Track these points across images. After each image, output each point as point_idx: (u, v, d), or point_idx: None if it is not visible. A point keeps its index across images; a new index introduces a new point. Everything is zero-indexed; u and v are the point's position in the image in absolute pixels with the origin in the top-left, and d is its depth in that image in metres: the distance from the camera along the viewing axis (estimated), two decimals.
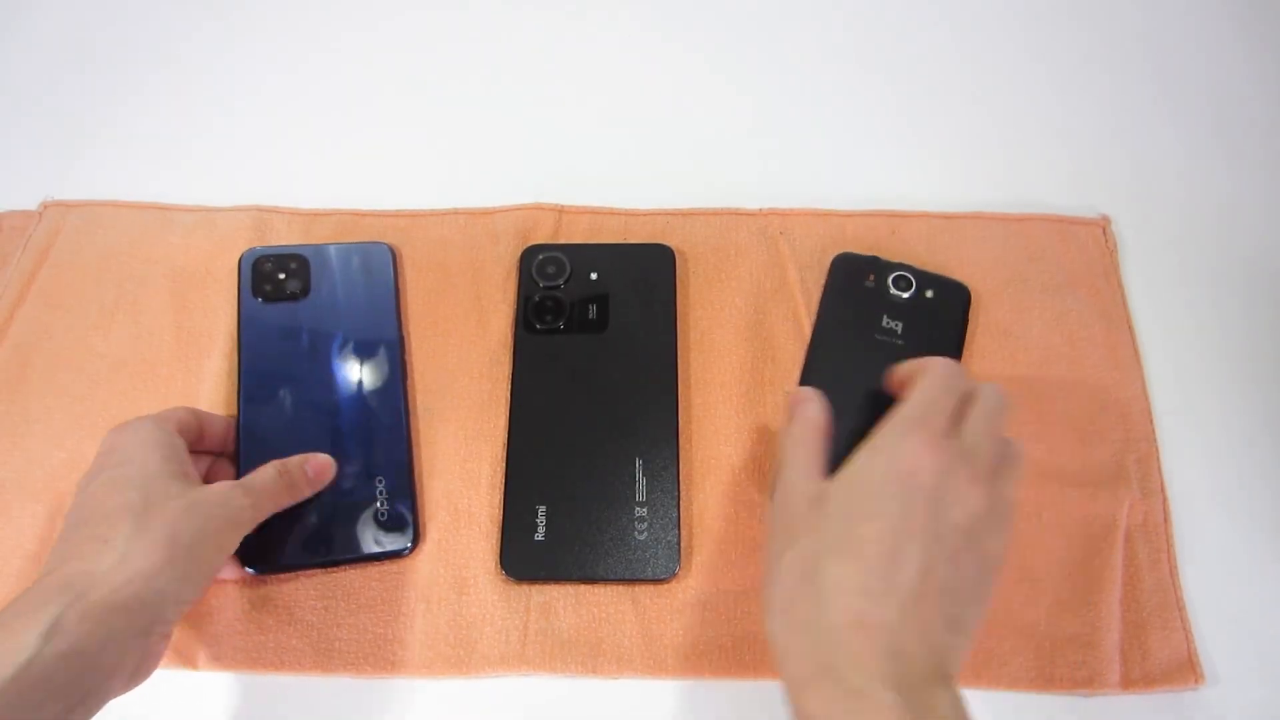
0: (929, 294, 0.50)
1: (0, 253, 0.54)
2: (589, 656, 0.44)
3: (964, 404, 0.39)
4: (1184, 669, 0.43)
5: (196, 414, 0.44)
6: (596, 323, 0.50)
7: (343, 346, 0.49)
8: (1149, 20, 0.64)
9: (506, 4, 0.65)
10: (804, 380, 0.49)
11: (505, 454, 0.47)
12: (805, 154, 0.59)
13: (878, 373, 0.48)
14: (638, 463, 0.46)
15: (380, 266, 0.52)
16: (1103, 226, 0.54)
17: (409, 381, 0.50)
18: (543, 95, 0.61)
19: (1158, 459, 0.48)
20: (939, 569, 0.34)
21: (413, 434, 0.48)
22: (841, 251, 0.52)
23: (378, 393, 0.48)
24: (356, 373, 0.48)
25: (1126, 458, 0.48)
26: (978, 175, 0.57)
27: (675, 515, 0.45)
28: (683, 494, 0.47)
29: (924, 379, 0.40)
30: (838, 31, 0.64)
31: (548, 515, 0.45)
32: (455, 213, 0.55)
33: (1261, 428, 0.49)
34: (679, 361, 0.50)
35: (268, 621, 0.44)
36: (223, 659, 0.43)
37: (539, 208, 0.55)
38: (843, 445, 0.46)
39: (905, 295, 0.50)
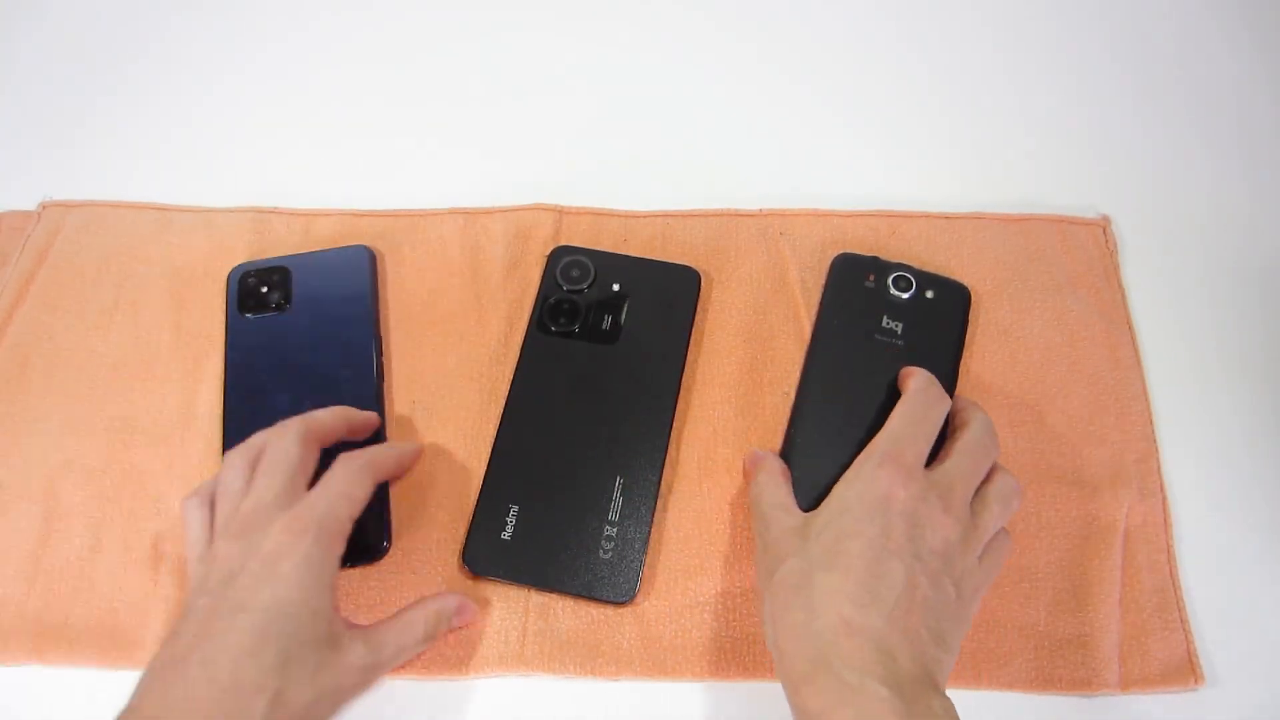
0: (929, 294, 0.50)
1: (0, 253, 0.54)
2: (588, 657, 0.43)
3: (952, 429, 0.43)
4: (1183, 670, 0.43)
5: (340, 424, 0.43)
6: (609, 334, 0.49)
7: (318, 356, 0.49)
8: (1151, 20, 0.63)
9: (507, 4, 0.65)
10: (804, 381, 0.49)
11: (492, 445, 0.47)
12: (805, 154, 0.58)
13: (877, 373, 0.48)
14: (617, 481, 0.46)
15: (357, 270, 0.52)
16: (1103, 227, 0.54)
17: (387, 386, 0.50)
18: (543, 95, 0.61)
19: (1157, 459, 0.48)
20: (920, 585, 0.36)
21: (388, 439, 0.48)
22: (842, 251, 0.52)
23: (353, 399, 0.47)
24: (330, 382, 0.49)
25: (1126, 458, 0.48)
26: (978, 175, 0.57)
27: (644, 540, 0.45)
28: (657, 518, 0.46)
29: (903, 404, 0.43)
30: (838, 31, 0.64)
31: (519, 516, 0.45)
32: (455, 213, 0.55)
33: (1262, 428, 0.49)
34: (687, 369, 0.50)
35: None
36: None
37: (539, 208, 0.55)
38: (841, 446, 0.46)
39: (905, 295, 0.50)
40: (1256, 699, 0.42)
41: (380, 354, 0.50)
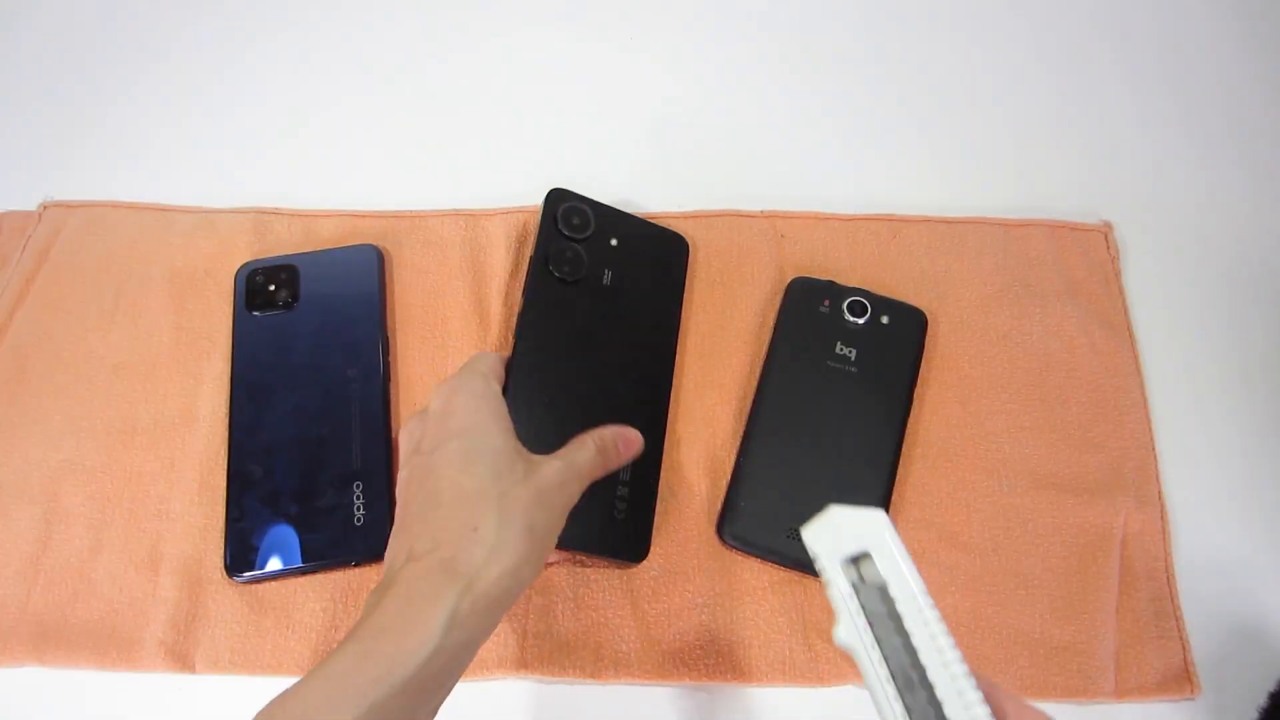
0: (884, 320, 0.49)
1: (0, 254, 0.54)
2: (589, 660, 0.44)
3: None
4: (1179, 679, 0.43)
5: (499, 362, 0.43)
6: (609, 288, 0.49)
7: (325, 353, 0.50)
8: (1154, 26, 0.63)
9: (509, 6, 0.64)
10: (755, 409, 0.48)
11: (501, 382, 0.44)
12: (808, 157, 0.58)
13: (827, 403, 0.47)
14: None
15: (365, 269, 0.52)
16: (1105, 233, 0.54)
17: (393, 386, 0.50)
18: (545, 98, 0.61)
19: (1156, 467, 0.48)
20: None
21: (394, 438, 0.48)
22: (797, 275, 0.51)
23: (359, 399, 0.48)
24: (337, 379, 0.49)
25: (1124, 465, 0.48)
26: (980, 180, 0.57)
27: (654, 500, 0.45)
28: (663, 481, 0.46)
29: None
30: (842, 35, 0.63)
31: None
32: (456, 214, 0.55)
33: (1261, 438, 0.49)
34: (678, 357, 0.50)
35: (265, 624, 0.44)
36: (220, 663, 0.44)
37: (540, 209, 0.55)
38: (791, 475, 0.46)
39: (860, 321, 0.49)
40: (1252, 710, 0.43)
41: (388, 353, 0.50)
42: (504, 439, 0.37)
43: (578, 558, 0.45)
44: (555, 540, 0.37)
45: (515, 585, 0.34)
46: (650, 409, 0.47)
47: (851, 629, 0.29)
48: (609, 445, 0.41)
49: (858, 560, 0.30)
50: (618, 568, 0.46)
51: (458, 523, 0.34)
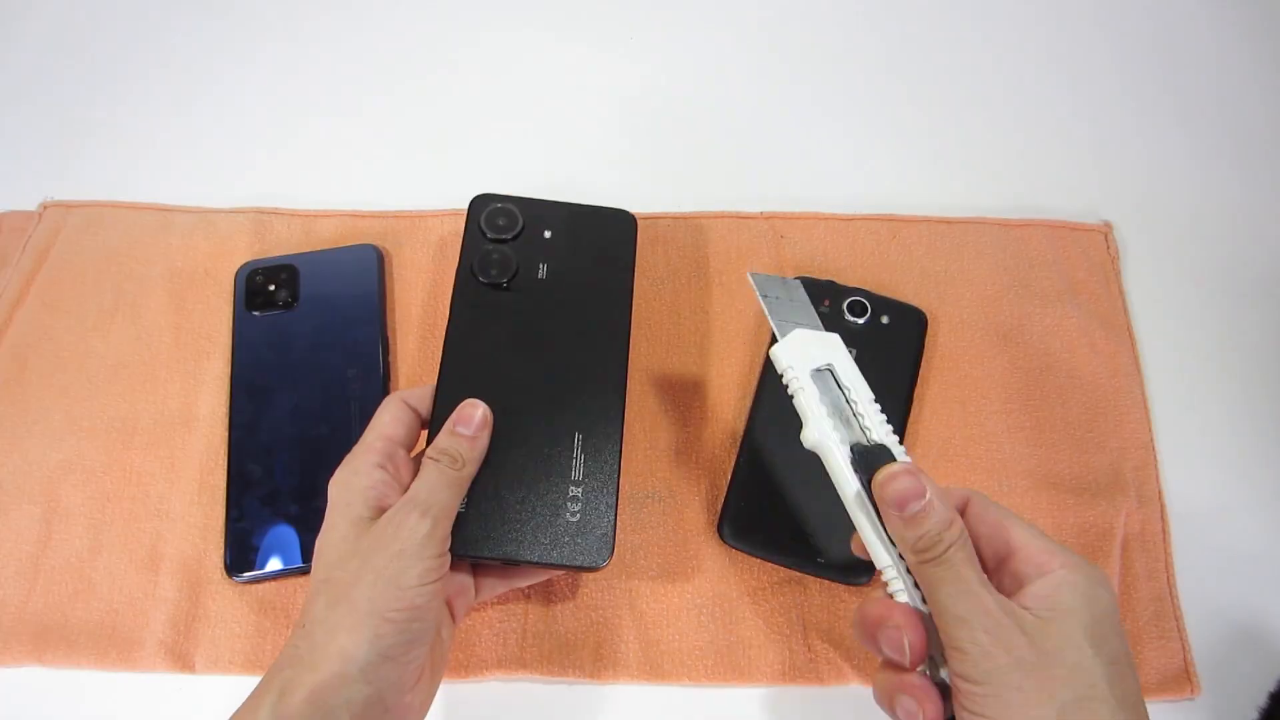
0: (884, 319, 0.49)
1: (0, 254, 0.54)
2: (588, 660, 0.44)
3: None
4: (1179, 680, 0.43)
5: (408, 404, 0.40)
6: (546, 282, 0.45)
7: (325, 353, 0.50)
8: (1154, 26, 0.63)
9: (508, 6, 0.64)
10: (753, 410, 0.48)
11: (430, 413, 0.41)
12: (807, 157, 0.58)
13: None
14: (576, 438, 0.42)
15: (365, 269, 0.52)
16: (1105, 233, 0.54)
17: (393, 384, 0.50)
18: (543, 97, 0.61)
19: (1156, 467, 0.48)
20: None
21: None
22: (799, 275, 0.51)
23: (359, 399, 0.48)
24: (337, 379, 0.49)
25: (1124, 465, 0.48)
26: (980, 180, 0.57)
27: (613, 499, 0.41)
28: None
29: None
30: (841, 35, 0.63)
31: (471, 485, 0.40)
32: (456, 213, 0.55)
33: (1261, 438, 0.49)
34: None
35: (265, 625, 0.44)
36: (220, 663, 0.44)
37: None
38: (787, 476, 0.46)
39: (860, 321, 0.49)
40: (1252, 710, 0.43)
41: (388, 353, 0.50)
42: (347, 524, 0.37)
43: (540, 571, 0.43)
44: (414, 589, 0.35)
45: (351, 666, 0.34)
46: (605, 395, 0.43)
47: (822, 429, 0.35)
48: (452, 449, 0.38)
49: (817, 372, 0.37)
50: (582, 573, 0.44)
51: (297, 623, 0.36)
